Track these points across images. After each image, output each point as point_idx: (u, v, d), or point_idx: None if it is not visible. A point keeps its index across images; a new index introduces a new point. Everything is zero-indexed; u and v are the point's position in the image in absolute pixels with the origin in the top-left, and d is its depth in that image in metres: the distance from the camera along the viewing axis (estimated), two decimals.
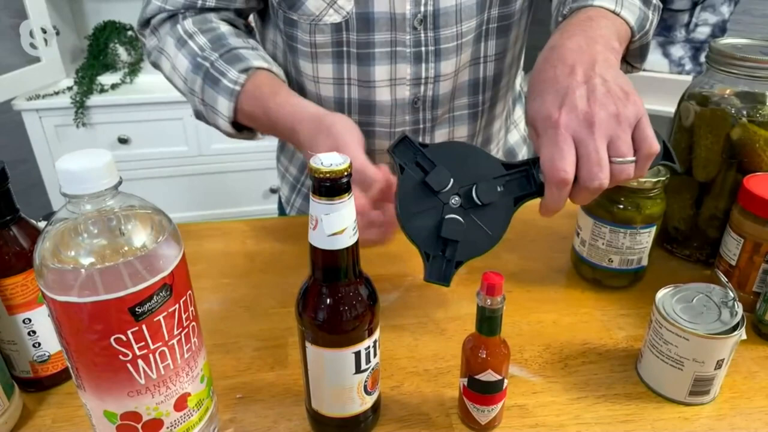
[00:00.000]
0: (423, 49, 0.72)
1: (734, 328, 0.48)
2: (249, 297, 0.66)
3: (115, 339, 0.36)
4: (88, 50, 1.91)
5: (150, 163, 1.84)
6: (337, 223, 0.39)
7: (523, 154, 0.95)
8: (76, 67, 1.86)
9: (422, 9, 0.69)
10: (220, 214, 1.99)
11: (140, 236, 0.37)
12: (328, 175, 0.37)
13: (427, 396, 0.53)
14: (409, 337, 0.60)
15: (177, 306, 0.38)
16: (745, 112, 0.62)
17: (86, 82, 1.74)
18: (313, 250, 0.41)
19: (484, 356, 0.45)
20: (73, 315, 0.35)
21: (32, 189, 1.85)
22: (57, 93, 1.70)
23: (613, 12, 0.60)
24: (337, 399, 0.45)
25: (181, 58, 0.72)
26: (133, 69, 1.86)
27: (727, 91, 0.63)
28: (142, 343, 0.37)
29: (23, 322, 0.49)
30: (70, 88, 1.73)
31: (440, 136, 0.80)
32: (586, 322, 0.62)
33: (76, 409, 0.51)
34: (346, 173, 0.38)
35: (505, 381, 0.46)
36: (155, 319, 0.37)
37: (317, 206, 0.39)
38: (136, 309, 0.35)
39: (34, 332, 0.50)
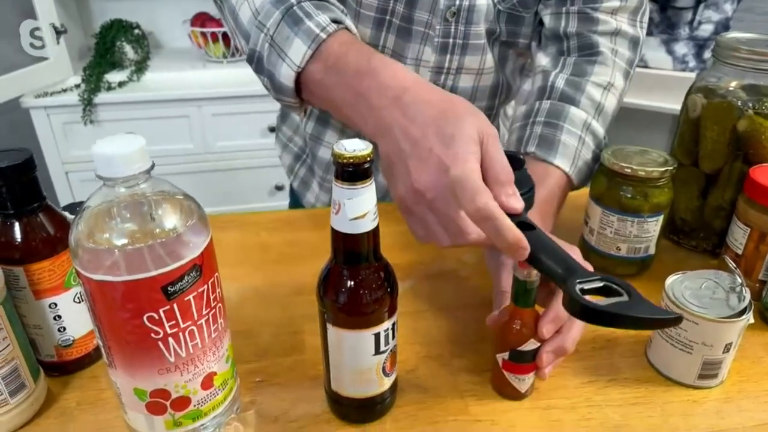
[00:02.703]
0: (451, 41, 0.73)
1: (742, 312, 0.50)
2: (264, 286, 0.67)
3: (147, 317, 0.37)
4: (95, 48, 1.93)
5: (157, 160, 1.83)
6: (359, 208, 0.40)
7: None
8: (83, 65, 1.87)
9: (457, 2, 0.70)
10: (226, 210, 1.99)
11: (171, 219, 0.38)
12: (351, 160, 0.39)
13: (441, 379, 0.54)
14: (423, 324, 0.61)
15: (205, 287, 0.39)
16: (751, 105, 0.63)
17: (93, 79, 1.75)
18: (336, 234, 0.42)
19: (519, 327, 0.48)
20: (107, 293, 0.36)
21: (42, 183, 1.86)
22: (65, 90, 1.71)
23: (566, 173, 0.65)
24: (357, 380, 0.46)
25: None
26: (140, 67, 1.88)
27: (733, 84, 0.65)
28: (173, 322, 0.38)
29: (49, 306, 0.50)
30: (77, 86, 1.74)
31: None
32: None
33: (100, 393, 0.52)
34: (368, 159, 0.39)
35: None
36: (185, 299, 0.38)
37: (340, 191, 0.40)
38: (168, 288, 0.37)
39: (59, 317, 0.51)
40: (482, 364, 0.55)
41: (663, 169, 0.61)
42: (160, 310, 0.37)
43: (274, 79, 0.58)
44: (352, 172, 0.39)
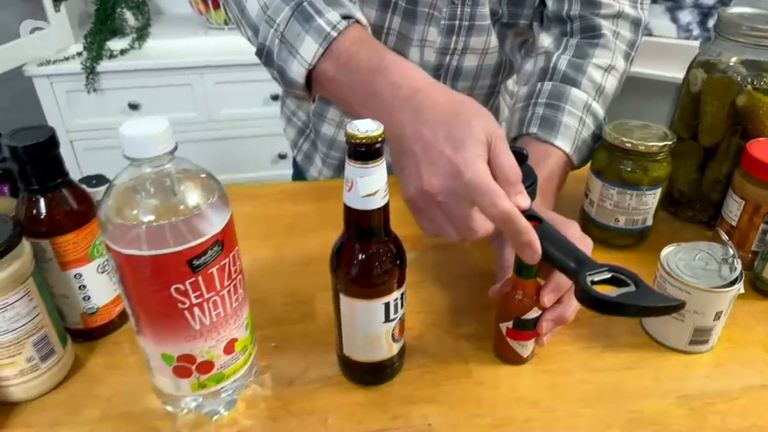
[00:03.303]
0: (457, 23, 0.74)
1: (733, 282, 0.52)
2: (273, 257, 0.70)
3: (174, 289, 0.39)
4: (95, 15, 1.91)
5: None
6: (370, 185, 0.42)
7: None
8: (84, 32, 1.86)
9: None
10: (229, 179, 2.02)
11: (194, 197, 0.40)
12: (363, 140, 0.40)
13: (446, 345, 0.57)
14: (428, 293, 0.64)
15: (227, 260, 0.42)
16: (750, 80, 0.65)
17: (95, 47, 1.75)
18: (348, 210, 0.44)
19: (521, 297, 0.51)
20: (136, 267, 0.39)
21: None
22: (67, 59, 1.71)
23: (567, 154, 0.66)
24: (368, 346, 0.49)
25: None
26: (141, 34, 1.87)
27: (734, 59, 0.66)
28: (198, 293, 0.40)
29: (74, 277, 0.53)
30: (79, 54, 1.74)
31: None
32: None
33: (124, 358, 0.56)
34: (380, 139, 0.41)
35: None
36: (209, 271, 0.40)
37: (353, 169, 0.42)
38: (193, 262, 0.39)
39: (84, 287, 0.54)
40: (484, 332, 0.58)
41: (662, 143, 0.63)
42: (186, 282, 0.40)
43: (284, 75, 0.59)
44: (365, 152, 0.41)
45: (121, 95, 1.79)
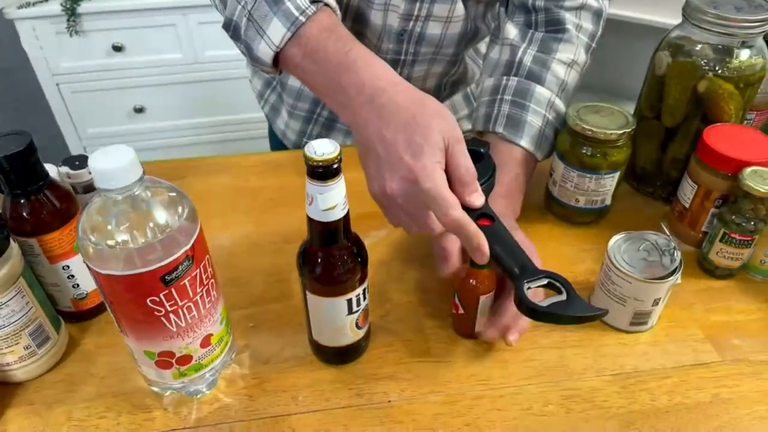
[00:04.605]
0: None
1: (671, 273, 0.57)
2: (255, 233, 0.74)
3: (150, 300, 0.44)
4: None
5: (145, 71, 1.85)
6: (329, 201, 0.46)
7: (464, 112, 1.00)
8: None
9: None
10: (215, 121, 2.02)
11: (165, 216, 0.43)
12: (321, 163, 0.43)
13: (410, 324, 0.62)
14: (396, 271, 0.68)
15: (198, 270, 0.46)
16: (713, 65, 0.66)
17: None
18: (310, 220, 0.48)
19: (474, 284, 0.55)
20: (113, 283, 0.43)
21: (33, 94, 1.87)
22: (47, 0, 1.67)
23: (530, 152, 0.69)
24: (334, 334, 0.55)
25: None
26: None
27: (700, 44, 0.67)
28: (172, 302, 0.45)
29: (63, 268, 0.57)
30: None
31: (418, 71, 0.85)
32: (553, 256, 0.68)
33: (115, 337, 0.60)
34: (336, 161, 0.44)
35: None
36: (181, 283, 0.45)
37: (312, 187, 0.45)
38: (166, 277, 0.43)
39: (72, 276, 0.58)
40: (445, 310, 0.63)
41: (621, 131, 0.65)
42: (160, 294, 0.44)
43: (251, 51, 0.59)
44: (322, 173, 0.44)
45: (105, 37, 1.76)
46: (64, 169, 0.69)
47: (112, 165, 0.40)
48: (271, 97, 1.00)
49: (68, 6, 1.66)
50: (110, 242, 0.42)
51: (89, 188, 0.70)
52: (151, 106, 1.94)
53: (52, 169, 0.68)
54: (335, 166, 0.44)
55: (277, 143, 1.05)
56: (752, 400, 0.55)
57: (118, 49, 1.79)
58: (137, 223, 0.42)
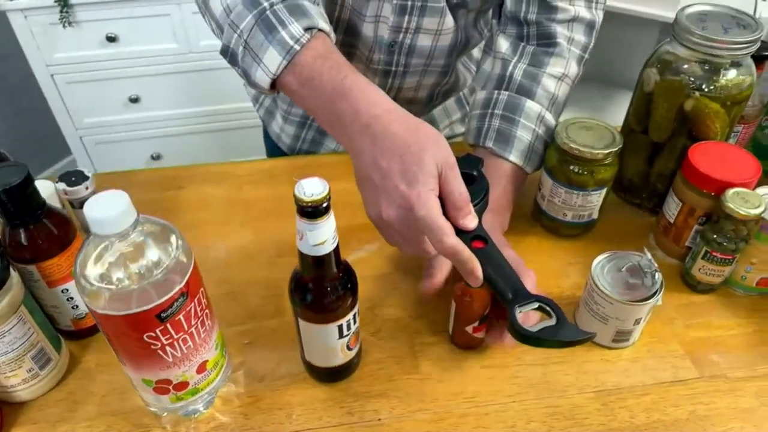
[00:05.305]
0: (409, 3, 0.74)
1: (652, 295, 0.59)
2: (250, 246, 0.75)
3: (146, 336, 0.45)
4: None
5: (140, 61, 1.84)
6: (319, 237, 0.47)
7: (457, 116, 1.01)
8: None
9: None
10: (210, 110, 2.02)
11: (159, 256, 0.45)
12: (310, 203, 0.45)
13: (400, 340, 0.64)
14: (388, 286, 0.70)
15: (192, 305, 0.47)
16: (700, 83, 0.67)
17: None
18: (301, 254, 0.49)
19: (469, 300, 0.57)
20: (111, 321, 0.45)
21: (26, 82, 1.86)
22: None
23: (520, 167, 0.71)
24: (325, 356, 0.57)
25: None
26: None
27: (687, 63, 0.68)
28: (168, 336, 0.47)
29: (62, 291, 0.59)
30: None
31: (410, 83, 0.85)
32: (540, 270, 0.69)
33: (114, 355, 0.63)
34: (325, 201, 0.45)
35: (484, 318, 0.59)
36: (176, 318, 0.46)
37: (302, 224, 0.46)
38: (161, 314, 0.45)
39: (71, 298, 0.60)
40: (437, 324, 0.65)
41: (608, 151, 0.66)
42: (156, 330, 0.45)
43: (249, 77, 0.61)
44: (312, 212, 0.45)
45: (98, 27, 1.74)
46: (61, 185, 0.70)
47: (107, 213, 0.41)
48: (266, 101, 1.01)
49: None
50: (106, 284, 0.43)
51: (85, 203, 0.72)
52: (146, 96, 1.93)
53: (49, 187, 0.70)
54: (324, 205, 0.45)
55: (272, 145, 1.06)
56: (728, 417, 0.57)
57: (112, 39, 1.77)
58: (133, 265, 0.44)
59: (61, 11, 1.67)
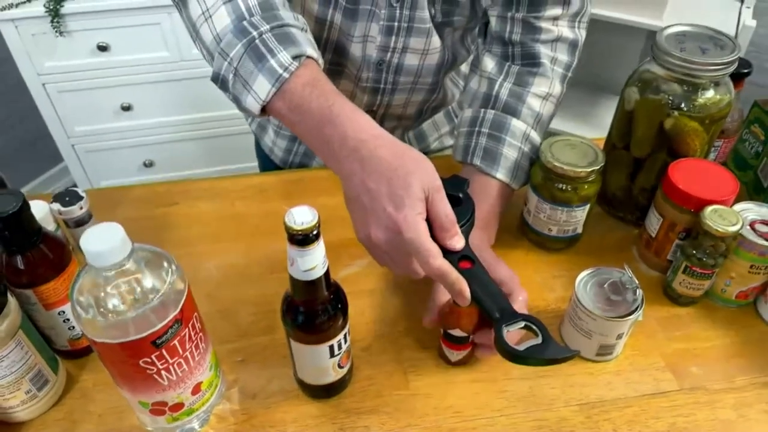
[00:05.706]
0: (396, 24, 0.76)
1: (633, 311, 0.61)
2: (242, 263, 0.77)
3: (142, 361, 0.47)
4: None
5: (131, 69, 1.84)
6: (309, 263, 0.49)
7: (446, 129, 1.03)
8: None
9: None
10: (201, 117, 2.02)
11: (153, 284, 0.46)
12: (300, 232, 0.46)
13: (390, 355, 0.66)
14: (378, 300, 0.72)
15: (187, 330, 0.49)
16: (678, 102, 0.69)
17: None
18: (293, 279, 0.51)
19: (456, 318, 0.59)
20: (107, 349, 0.46)
21: (15, 88, 1.86)
22: (30, 1, 1.66)
23: (506, 184, 0.72)
24: (317, 374, 0.58)
25: (223, 12, 0.61)
26: None
27: (665, 85, 0.69)
28: (163, 361, 0.48)
29: (58, 314, 0.60)
30: None
31: (398, 100, 0.87)
32: (526, 284, 0.71)
33: None
34: (315, 229, 0.47)
35: (470, 337, 0.61)
36: (171, 344, 0.48)
37: (293, 251, 0.48)
38: (156, 341, 0.46)
39: (67, 320, 0.61)
40: (426, 341, 0.67)
41: (590, 169, 0.68)
42: (152, 356, 0.47)
43: (239, 103, 0.62)
44: (302, 240, 0.47)
45: (90, 37, 1.75)
46: (56, 206, 0.72)
47: (103, 246, 0.42)
48: None
49: (51, 7, 1.65)
50: (102, 314, 0.45)
51: (80, 222, 0.73)
52: (138, 103, 1.94)
53: (44, 207, 0.71)
54: (314, 232, 0.47)
55: (264, 158, 1.07)
56: (706, 428, 0.59)
57: (103, 48, 1.78)
58: (128, 294, 0.45)
59: (52, 21, 1.67)
